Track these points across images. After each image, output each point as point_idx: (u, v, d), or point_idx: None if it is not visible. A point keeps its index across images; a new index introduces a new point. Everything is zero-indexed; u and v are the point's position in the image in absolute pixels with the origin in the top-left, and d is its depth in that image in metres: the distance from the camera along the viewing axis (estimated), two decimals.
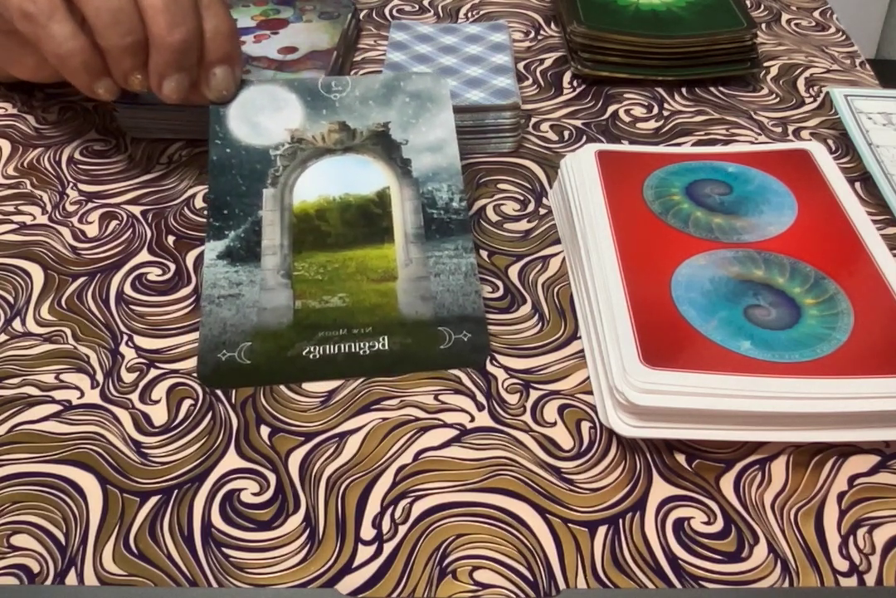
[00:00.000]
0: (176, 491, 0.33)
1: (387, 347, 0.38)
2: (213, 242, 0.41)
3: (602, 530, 0.32)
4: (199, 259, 0.44)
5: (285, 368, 0.38)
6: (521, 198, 0.49)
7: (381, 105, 0.45)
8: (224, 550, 0.32)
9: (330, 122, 0.45)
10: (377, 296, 0.40)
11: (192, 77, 0.43)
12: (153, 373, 0.38)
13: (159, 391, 0.37)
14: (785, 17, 0.68)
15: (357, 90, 0.45)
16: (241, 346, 0.38)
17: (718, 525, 0.32)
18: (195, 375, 0.38)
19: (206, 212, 0.42)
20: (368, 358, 0.38)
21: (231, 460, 0.35)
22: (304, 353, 0.38)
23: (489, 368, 0.38)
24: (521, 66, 0.61)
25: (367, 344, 0.38)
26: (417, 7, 0.68)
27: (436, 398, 0.37)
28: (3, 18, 0.41)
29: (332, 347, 0.38)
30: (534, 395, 0.37)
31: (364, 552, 0.31)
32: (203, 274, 0.41)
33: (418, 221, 0.42)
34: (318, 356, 0.38)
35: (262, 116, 0.45)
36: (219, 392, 0.37)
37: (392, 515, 0.33)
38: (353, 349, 0.38)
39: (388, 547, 0.32)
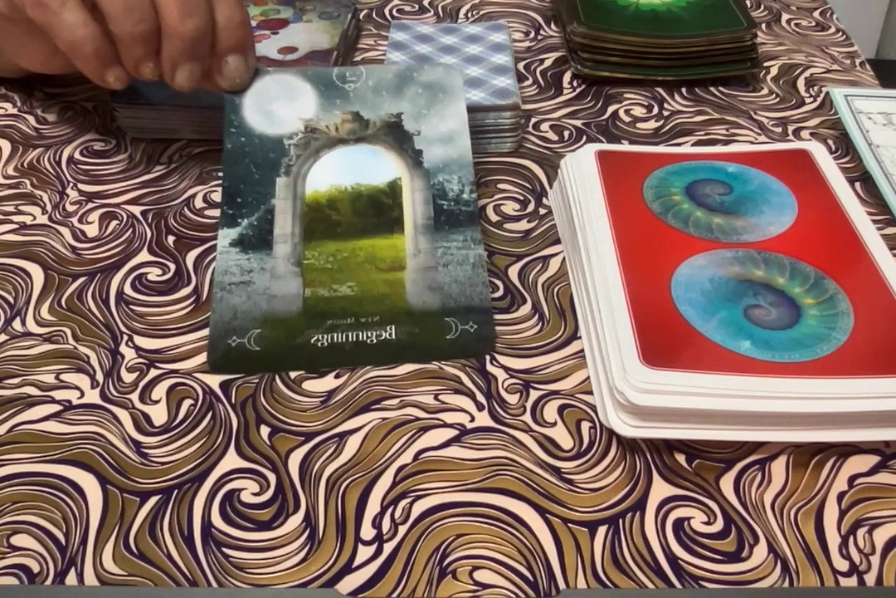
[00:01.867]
0: (176, 491, 0.33)
1: (394, 336, 0.38)
2: (225, 230, 0.42)
3: (602, 530, 0.32)
4: (199, 259, 0.44)
5: (294, 355, 0.38)
6: (521, 198, 0.49)
7: (394, 96, 0.45)
8: (224, 550, 0.32)
9: (343, 112, 0.45)
10: (385, 285, 0.40)
11: (205, 66, 0.43)
12: (153, 373, 0.38)
13: (159, 391, 0.37)
14: (785, 17, 0.68)
15: (371, 80, 0.46)
16: (250, 332, 0.38)
17: (718, 525, 0.32)
18: (195, 375, 0.38)
19: (219, 200, 0.42)
20: (376, 347, 0.38)
21: (231, 460, 0.35)
22: (312, 340, 0.38)
23: (489, 368, 0.38)
24: (521, 66, 0.61)
25: (374, 333, 0.38)
26: (417, 7, 0.68)
27: (436, 398, 0.37)
28: (14, 6, 0.41)
29: (340, 335, 0.38)
30: (534, 395, 0.37)
31: (364, 552, 0.31)
32: (215, 261, 0.41)
33: (428, 211, 0.42)
34: (326, 344, 0.38)
35: (276, 105, 0.45)
36: (219, 392, 0.37)
37: (392, 515, 0.33)
38: (360, 338, 0.38)
39: (388, 547, 0.32)
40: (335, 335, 0.38)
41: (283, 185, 0.43)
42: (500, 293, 0.42)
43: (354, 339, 0.38)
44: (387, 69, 0.46)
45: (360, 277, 0.40)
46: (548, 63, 0.61)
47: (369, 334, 0.38)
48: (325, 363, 0.38)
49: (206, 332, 0.39)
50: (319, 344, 0.38)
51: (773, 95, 0.58)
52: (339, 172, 0.44)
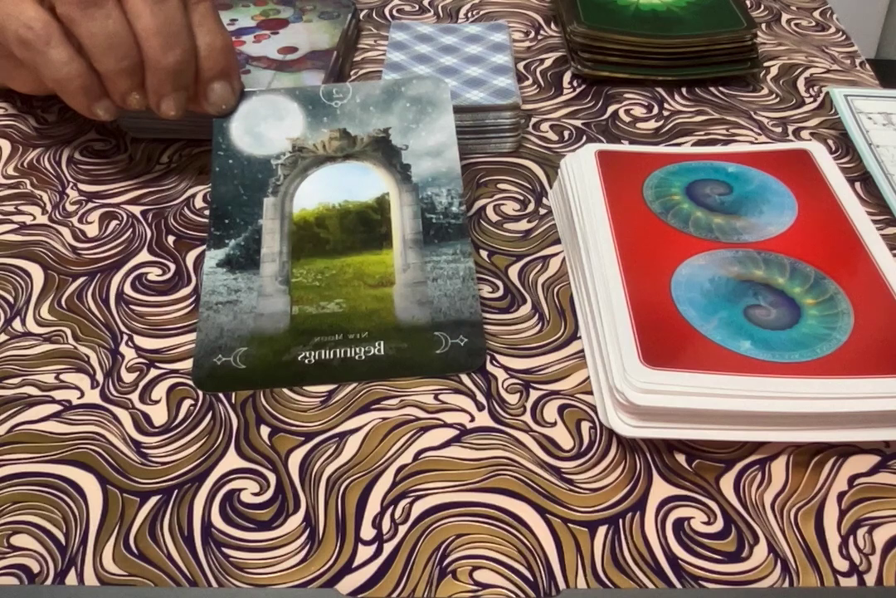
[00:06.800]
0: (176, 491, 0.33)
1: (382, 352, 0.38)
2: (213, 251, 0.42)
3: (602, 530, 0.32)
4: (199, 259, 0.44)
5: (280, 372, 0.38)
6: (521, 198, 0.49)
7: (382, 111, 0.45)
8: (224, 550, 0.32)
9: (331, 129, 0.45)
10: (374, 301, 0.40)
11: (190, 93, 0.43)
12: (153, 373, 0.38)
13: (159, 391, 0.37)
14: (785, 17, 0.68)
15: (358, 97, 0.46)
16: (237, 351, 0.38)
17: (718, 525, 0.32)
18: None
19: (208, 220, 0.43)
20: (364, 363, 0.38)
21: (231, 460, 0.35)
22: (299, 358, 0.38)
23: (489, 368, 0.38)
24: (521, 66, 0.61)
25: (362, 349, 0.38)
26: (417, 7, 0.68)
27: (436, 398, 0.37)
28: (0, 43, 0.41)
29: (327, 352, 0.38)
30: (534, 395, 0.37)
31: (364, 552, 0.31)
32: (202, 281, 0.41)
33: (417, 226, 0.42)
34: (313, 361, 0.38)
35: (264, 126, 0.45)
36: (217, 393, 0.37)
37: (392, 515, 0.33)
38: (348, 354, 0.38)
39: (388, 547, 0.32)
40: (322, 352, 0.38)
41: (271, 205, 0.43)
42: (500, 293, 0.42)
43: (342, 355, 0.38)
44: (374, 84, 0.46)
45: (348, 293, 0.40)
46: (548, 63, 0.61)
47: (357, 350, 0.38)
48: (312, 380, 0.38)
49: None
50: (306, 361, 0.38)
51: (773, 95, 0.58)
52: (327, 189, 0.44)
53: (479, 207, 0.48)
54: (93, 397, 0.37)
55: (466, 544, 0.32)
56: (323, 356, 0.38)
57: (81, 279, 0.43)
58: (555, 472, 0.34)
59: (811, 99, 0.58)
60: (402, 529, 0.32)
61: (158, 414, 0.36)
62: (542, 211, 0.48)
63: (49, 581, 0.31)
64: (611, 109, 0.56)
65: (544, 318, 0.41)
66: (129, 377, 0.38)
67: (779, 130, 0.54)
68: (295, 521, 0.32)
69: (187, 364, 0.38)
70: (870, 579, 0.31)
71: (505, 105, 0.50)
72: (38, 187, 0.49)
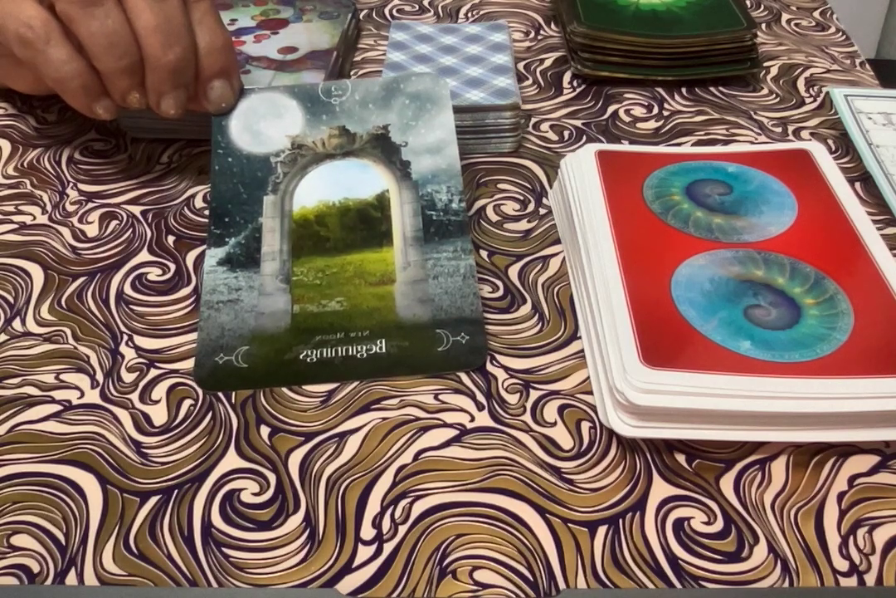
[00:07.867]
0: (176, 491, 0.33)
1: (384, 350, 0.38)
2: (213, 249, 0.42)
3: (602, 530, 0.32)
4: (199, 259, 0.44)
5: (282, 371, 0.38)
6: (521, 198, 0.49)
7: (381, 108, 0.45)
8: (224, 550, 0.32)
9: (330, 127, 0.45)
10: (375, 299, 0.40)
11: (190, 92, 0.43)
12: (153, 373, 0.38)
13: (159, 391, 0.37)
14: (785, 17, 0.68)
15: (357, 94, 0.46)
16: (238, 350, 0.38)
17: (718, 525, 0.32)
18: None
19: (207, 219, 0.43)
20: (366, 361, 0.38)
21: (231, 460, 0.35)
22: (301, 356, 0.38)
23: (489, 368, 0.38)
24: (521, 66, 0.61)
25: (364, 347, 0.38)
26: (417, 7, 0.68)
27: (436, 398, 0.37)
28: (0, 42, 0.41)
29: (329, 350, 0.38)
30: (534, 395, 0.37)
31: (364, 552, 0.31)
32: (203, 280, 0.41)
33: (417, 223, 0.42)
34: (315, 360, 0.38)
35: (263, 124, 0.45)
36: (219, 392, 0.37)
37: (392, 515, 0.33)
38: (350, 353, 0.38)
39: (388, 547, 0.32)
40: (324, 350, 0.38)
41: (271, 203, 0.43)
42: (500, 293, 0.42)
43: (344, 354, 0.38)
44: (373, 82, 0.46)
45: (349, 291, 0.40)
46: (548, 63, 0.61)
47: (359, 349, 0.38)
48: (314, 379, 0.38)
49: None
50: (308, 360, 0.38)
51: (773, 95, 0.58)
52: (326, 187, 0.44)
53: (479, 206, 0.48)
54: (93, 397, 0.37)
55: (466, 544, 0.32)
56: (325, 355, 0.38)
57: (81, 279, 0.43)
58: (555, 472, 0.34)
59: (811, 99, 0.58)
60: (402, 529, 0.32)
61: (158, 414, 0.36)
62: (542, 211, 0.48)
63: (49, 581, 0.31)
64: (611, 109, 0.56)
65: (544, 318, 0.41)
66: (129, 377, 0.38)
67: (779, 130, 0.54)
68: (295, 521, 0.32)
69: (187, 364, 0.38)
70: (870, 579, 0.31)
71: (505, 105, 0.50)
72: (38, 187, 0.49)
